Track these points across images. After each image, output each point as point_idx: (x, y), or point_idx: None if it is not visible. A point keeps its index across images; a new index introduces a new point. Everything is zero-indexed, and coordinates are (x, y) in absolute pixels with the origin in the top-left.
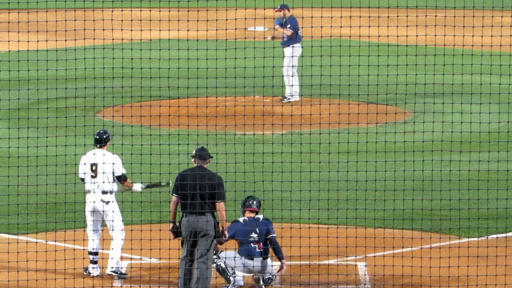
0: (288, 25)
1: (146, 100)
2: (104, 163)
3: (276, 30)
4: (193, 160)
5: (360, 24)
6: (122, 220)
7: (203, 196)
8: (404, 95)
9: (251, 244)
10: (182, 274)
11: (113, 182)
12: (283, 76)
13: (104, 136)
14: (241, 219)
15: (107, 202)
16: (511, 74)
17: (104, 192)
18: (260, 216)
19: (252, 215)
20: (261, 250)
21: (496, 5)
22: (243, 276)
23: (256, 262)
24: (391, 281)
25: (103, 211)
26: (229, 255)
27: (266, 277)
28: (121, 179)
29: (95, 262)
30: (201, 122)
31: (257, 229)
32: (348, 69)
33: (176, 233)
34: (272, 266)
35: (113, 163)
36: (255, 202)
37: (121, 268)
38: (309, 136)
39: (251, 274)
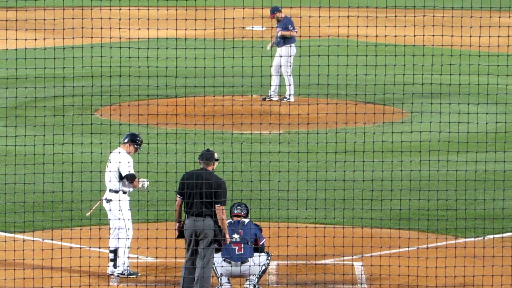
0: (290, 26)
1: (143, 99)
2: (113, 162)
3: (284, 34)
4: (198, 162)
5: (358, 24)
6: (128, 219)
7: (202, 198)
8: (401, 95)
9: (232, 245)
10: (183, 275)
11: (119, 181)
12: (274, 75)
13: (125, 137)
14: (227, 221)
15: (109, 201)
16: (508, 75)
17: (110, 190)
18: (246, 220)
19: (238, 219)
20: (241, 252)
21: (494, 5)
22: (228, 278)
23: (234, 267)
24: (388, 281)
25: (108, 209)
26: (216, 257)
27: (252, 283)
28: (127, 178)
29: (110, 260)
30: (199, 121)
31: (241, 231)
32: (346, 69)
33: (181, 233)
34: (259, 265)
35: (119, 162)
36: (239, 207)
37: (126, 268)
38: (306, 136)
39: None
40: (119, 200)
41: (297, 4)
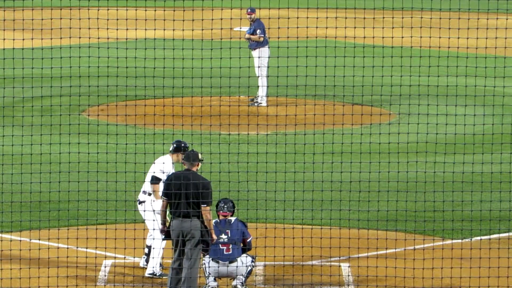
0: (258, 31)
1: (131, 99)
2: (153, 166)
3: (251, 38)
4: (182, 162)
5: (346, 25)
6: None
7: (188, 199)
8: (389, 96)
9: (220, 245)
10: (170, 275)
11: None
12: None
13: (171, 146)
14: (213, 221)
15: (141, 203)
16: (495, 76)
17: (143, 192)
18: (232, 218)
19: (225, 217)
20: (229, 252)
21: (482, 7)
22: (215, 278)
23: (221, 267)
24: (375, 282)
25: (143, 210)
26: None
27: (239, 282)
28: (152, 179)
29: (144, 254)
30: (186, 121)
31: (228, 231)
32: (333, 70)
33: (167, 233)
34: (246, 266)
35: (158, 168)
36: (225, 206)
37: (157, 270)
38: (294, 137)
39: (230, 279)
40: (152, 201)
41: (285, 5)
